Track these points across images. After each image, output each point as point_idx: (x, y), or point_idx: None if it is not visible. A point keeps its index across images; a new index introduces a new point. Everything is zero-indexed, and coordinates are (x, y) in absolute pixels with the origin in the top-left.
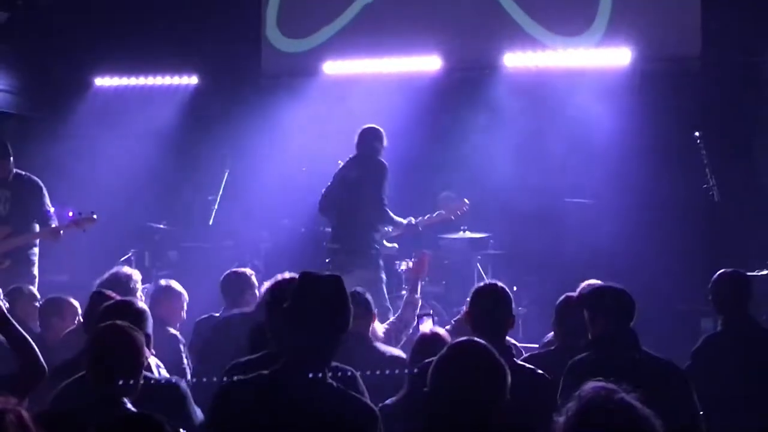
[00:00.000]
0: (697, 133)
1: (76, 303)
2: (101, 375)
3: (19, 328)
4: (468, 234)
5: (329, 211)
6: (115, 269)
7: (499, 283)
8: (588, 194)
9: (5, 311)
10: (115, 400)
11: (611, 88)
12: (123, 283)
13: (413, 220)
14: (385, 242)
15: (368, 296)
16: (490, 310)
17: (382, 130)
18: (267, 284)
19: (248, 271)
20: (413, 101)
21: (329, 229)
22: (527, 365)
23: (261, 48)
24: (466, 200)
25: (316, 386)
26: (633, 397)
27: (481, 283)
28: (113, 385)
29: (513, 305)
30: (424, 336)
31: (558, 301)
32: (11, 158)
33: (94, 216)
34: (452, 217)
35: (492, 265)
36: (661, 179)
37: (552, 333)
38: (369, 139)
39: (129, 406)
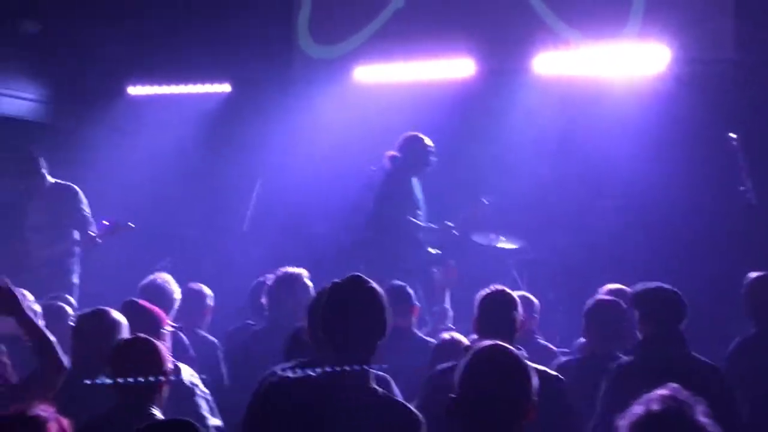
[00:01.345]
0: (732, 135)
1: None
2: (125, 384)
3: (40, 327)
4: (503, 241)
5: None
6: (152, 277)
7: (505, 288)
8: (623, 196)
9: (24, 309)
10: (141, 408)
11: (645, 90)
12: (160, 291)
13: (448, 223)
14: (429, 249)
15: (409, 290)
16: (494, 316)
17: (420, 135)
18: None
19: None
20: (447, 105)
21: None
22: (538, 366)
23: (293, 55)
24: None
25: (361, 392)
26: (702, 412)
27: (487, 289)
28: (137, 393)
29: (519, 310)
30: (443, 341)
31: (586, 307)
32: (42, 170)
33: (131, 225)
34: (479, 214)
35: (528, 270)
36: (697, 182)
37: (582, 339)
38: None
39: (157, 413)
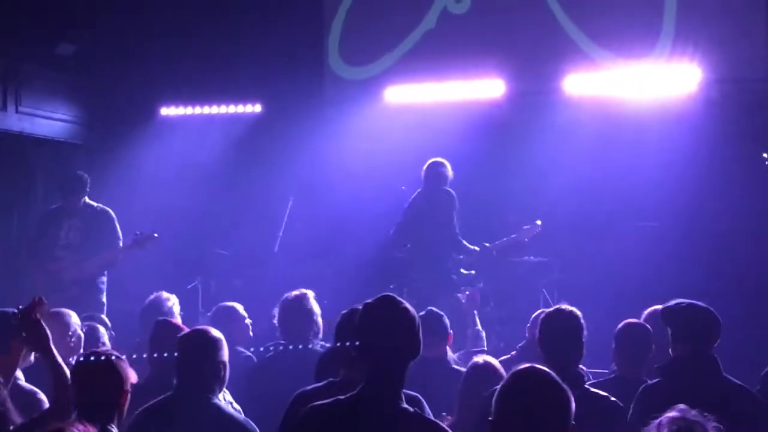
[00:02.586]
0: (765, 155)
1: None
2: (84, 408)
3: (62, 364)
4: (533, 258)
5: (402, 246)
6: (154, 296)
7: (571, 308)
8: (654, 218)
9: (52, 347)
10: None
11: (676, 110)
12: (161, 308)
13: (486, 245)
14: (462, 270)
15: (445, 320)
16: (561, 336)
17: (446, 162)
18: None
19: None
20: (476, 126)
21: (399, 256)
22: (600, 392)
23: (324, 76)
24: (538, 222)
25: (395, 412)
26: (714, 428)
27: (553, 308)
28: (96, 417)
29: (585, 331)
30: (476, 365)
31: (617, 329)
32: (83, 192)
33: (155, 235)
34: (526, 239)
35: (558, 289)
36: (729, 202)
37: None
38: (435, 172)
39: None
